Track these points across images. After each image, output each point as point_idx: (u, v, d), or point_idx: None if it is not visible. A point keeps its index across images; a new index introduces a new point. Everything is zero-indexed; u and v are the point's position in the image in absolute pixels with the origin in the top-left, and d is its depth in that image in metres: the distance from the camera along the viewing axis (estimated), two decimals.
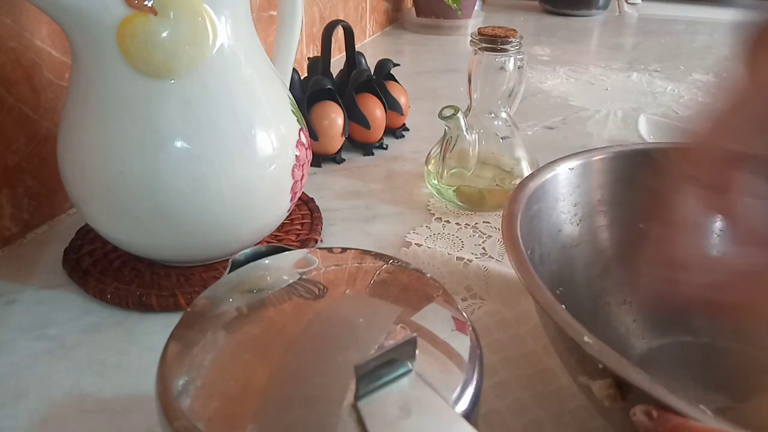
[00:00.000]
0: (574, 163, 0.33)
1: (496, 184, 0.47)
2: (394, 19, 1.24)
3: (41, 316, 0.34)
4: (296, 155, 0.36)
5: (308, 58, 0.60)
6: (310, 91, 0.53)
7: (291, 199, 0.37)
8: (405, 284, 0.21)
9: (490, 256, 0.41)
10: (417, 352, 0.17)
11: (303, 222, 0.44)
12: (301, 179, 0.38)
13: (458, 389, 0.17)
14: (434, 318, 0.19)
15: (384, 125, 0.58)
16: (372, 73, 0.59)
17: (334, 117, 0.53)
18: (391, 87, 0.60)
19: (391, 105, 0.59)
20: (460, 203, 0.47)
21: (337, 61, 0.62)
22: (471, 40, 0.44)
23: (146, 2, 0.29)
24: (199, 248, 0.35)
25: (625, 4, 1.48)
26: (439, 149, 0.47)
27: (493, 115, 0.46)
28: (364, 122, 0.56)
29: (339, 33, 0.60)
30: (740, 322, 0.27)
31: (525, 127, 0.66)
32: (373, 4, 1.09)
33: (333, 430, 0.15)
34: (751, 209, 0.26)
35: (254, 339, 0.18)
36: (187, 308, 0.20)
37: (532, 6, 1.49)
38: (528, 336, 0.33)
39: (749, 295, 0.25)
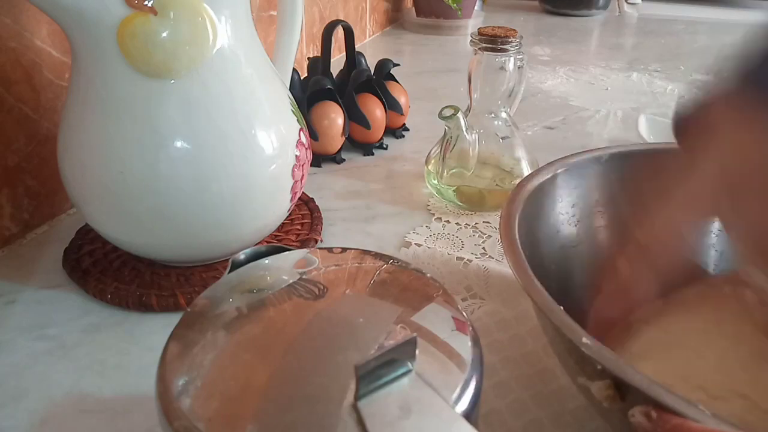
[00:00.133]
0: (571, 164, 0.33)
1: (496, 184, 0.47)
2: (394, 19, 1.24)
3: (41, 316, 0.34)
4: (296, 155, 0.36)
5: (308, 58, 0.60)
6: (310, 91, 0.53)
7: (291, 199, 0.37)
8: (405, 284, 0.21)
9: (490, 256, 0.41)
10: (417, 352, 0.17)
11: (303, 222, 0.44)
12: (301, 179, 0.38)
13: (458, 389, 0.17)
14: (434, 318, 0.19)
15: (384, 125, 0.58)
16: (372, 73, 0.59)
17: (334, 117, 0.53)
18: (391, 87, 0.60)
19: (391, 105, 0.59)
20: (460, 203, 0.47)
21: (337, 61, 0.62)
22: (471, 40, 0.44)
23: (146, 2, 0.29)
24: (199, 248, 0.35)
25: (625, 4, 1.48)
26: (439, 149, 0.47)
27: (493, 115, 0.46)
28: (364, 122, 0.56)
29: (339, 33, 0.60)
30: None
31: (525, 127, 0.66)
32: (373, 4, 1.09)
33: (333, 430, 0.15)
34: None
35: (254, 339, 0.18)
36: (187, 308, 0.20)
37: (532, 6, 1.49)
38: (528, 336, 0.33)
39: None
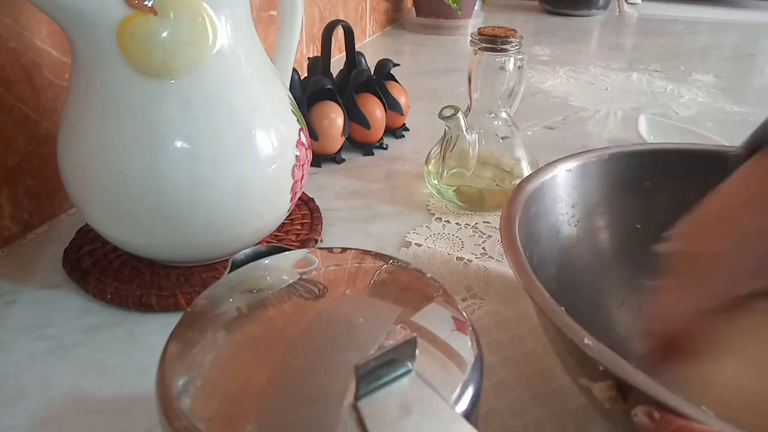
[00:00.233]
0: (571, 164, 0.33)
1: (496, 184, 0.47)
2: (394, 19, 1.24)
3: (41, 316, 0.34)
4: (296, 155, 0.36)
5: (308, 58, 0.60)
6: (310, 91, 0.53)
7: (291, 199, 0.37)
8: (405, 284, 0.21)
9: (490, 256, 0.41)
10: (417, 352, 0.17)
11: (303, 222, 0.44)
12: (301, 179, 0.38)
13: (458, 389, 0.17)
14: (434, 318, 0.19)
15: (384, 125, 0.58)
16: (372, 73, 0.59)
17: (334, 117, 0.53)
18: (391, 87, 0.60)
19: (391, 105, 0.59)
20: (460, 203, 0.47)
21: (337, 61, 0.62)
22: (471, 40, 0.44)
23: (146, 2, 0.29)
24: (199, 248, 0.35)
25: (625, 4, 1.48)
26: (439, 149, 0.47)
27: (493, 115, 0.46)
28: (364, 122, 0.56)
29: (339, 33, 0.60)
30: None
31: (525, 127, 0.66)
32: (373, 4, 1.09)
33: (333, 430, 0.15)
34: None
35: (254, 339, 0.18)
36: (187, 308, 0.20)
37: (532, 6, 1.49)
38: (528, 336, 0.33)
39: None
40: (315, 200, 0.47)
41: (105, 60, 0.30)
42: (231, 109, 0.32)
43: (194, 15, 0.30)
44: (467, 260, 0.40)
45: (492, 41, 0.43)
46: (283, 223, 0.42)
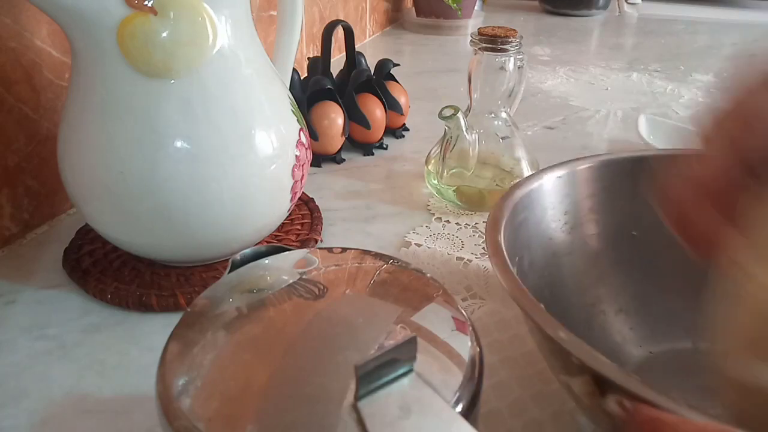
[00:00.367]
0: (562, 171, 0.33)
1: (496, 184, 0.47)
2: (394, 19, 1.24)
3: (41, 316, 0.34)
4: (296, 155, 0.36)
5: (308, 58, 0.60)
6: (310, 91, 0.53)
7: (291, 199, 0.37)
8: (405, 284, 0.21)
9: None
10: (417, 352, 0.17)
11: (303, 222, 0.44)
12: (301, 179, 0.38)
13: (458, 389, 0.17)
14: (434, 318, 0.19)
15: (384, 125, 0.58)
16: (372, 73, 0.59)
17: (334, 117, 0.53)
18: (391, 87, 0.60)
19: (391, 105, 0.59)
20: (460, 203, 0.47)
21: (337, 61, 0.62)
22: (471, 40, 0.44)
23: (146, 2, 0.29)
24: (199, 248, 0.35)
25: (625, 4, 1.48)
26: (439, 149, 0.47)
27: (493, 115, 0.46)
28: (364, 122, 0.56)
29: (339, 33, 0.59)
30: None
31: (525, 127, 0.66)
32: (373, 4, 1.09)
33: (333, 430, 0.15)
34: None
35: (254, 339, 0.18)
36: (187, 308, 0.20)
37: (532, 6, 1.49)
38: (528, 336, 0.33)
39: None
40: (315, 200, 0.47)
41: (105, 60, 0.30)
42: (231, 109, 0.32)
43: (194, 15, 0.30)
44: (467, 260, 0.40)
45: (492, 41, 0.43)
46: (283, 223, 0.42)
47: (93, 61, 0.30)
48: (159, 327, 0.34)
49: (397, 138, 0.62)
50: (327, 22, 0.56)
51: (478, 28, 0.44)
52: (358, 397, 0.16)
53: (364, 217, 0.47)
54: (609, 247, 0.33)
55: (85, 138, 0.32)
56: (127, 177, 0.31)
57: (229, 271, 0.22)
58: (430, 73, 0.89)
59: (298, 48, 0.42)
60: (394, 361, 0.16)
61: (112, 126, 0.31)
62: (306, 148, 0.38)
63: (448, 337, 0.19)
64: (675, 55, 1.04)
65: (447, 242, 0.43)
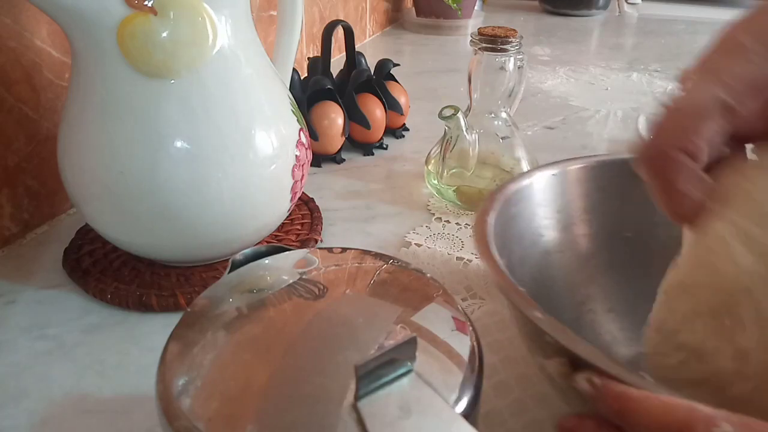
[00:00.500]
0: (556, 170, 0.33)
1: (496, 184, 0.47)
2: (394, 19, 1.24)
3: (41, 316, 0.34)
4: (296, 155, 0.36)
5: (308, 58, 0.60)
6: (310, 91, 0.53)
7: (291, 199, 0.37)
8: (405, 284, 0.21)
9: None
10: (417, 352, 0.17)
11: (303, 222, 0.44)
12: (301, 179, 0.38)
13: (458, 389, 0.17)
14: (434, 318, 0.19)
15: (384, 125, 0.58)
16: (372, 73, 0.59)
17: (334, 117, 0.53)
18: (391, 87, 0.60)
19: (391, 105, 0.59)
20: (460, 203, 0.47)
21: (337, 61, 0.62)
22: (471, 40, 0.44)
23: (146, 2, 0.29)
24: (199, 248, 0.35)
25: (625, 4, 1.48)
26: (439, 149, 0.47)
27: (493, 115, 0.46)
28: (364, 122, 0.56)
29: (339, 33, 0.59)
30: None
31: (525, 127, 0.66)
32: (373, 4, 1.09)
33: (333, 430, 0.15)
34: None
35: (254, 339, 0.18)
36: (187, 308, 0.20)
37: (532, 6, 1.48)
38: None
39: None
40: (315, 200, 0.47)
41: (105, 60, 0.30)
42: (231, 109, 0.32)
43: (194, 15, 0.30)
44: (467, 260, 0.40)
45: (492, 41, 0.43)
46: (283, 223, 0.42)
47: (93, 61, 0.30)
48: (159, 327, 0.34)
49: (397, 138, 0.62)
50: (327, 22, 0.56)
51: (478, 28, 0.44)
52: (358, 397, 0.16)
53: (364, 217, 0.47)
54: (601, 247, 0.33)
55: (85, 138, 0.32)
56: (127, 177, 0.31)
57: (229, 271, 0.22)
58: (430, 73, 0.89)
59: (298, 48, 0.42)
60: (394, 361, 0.16)
61: (112, 126, 0.31)
62: (306, 148, 0.38)
63: (448, 337, 0.19)
64: (675, 55, 1.04)
65: (447, 242, 0.43)
